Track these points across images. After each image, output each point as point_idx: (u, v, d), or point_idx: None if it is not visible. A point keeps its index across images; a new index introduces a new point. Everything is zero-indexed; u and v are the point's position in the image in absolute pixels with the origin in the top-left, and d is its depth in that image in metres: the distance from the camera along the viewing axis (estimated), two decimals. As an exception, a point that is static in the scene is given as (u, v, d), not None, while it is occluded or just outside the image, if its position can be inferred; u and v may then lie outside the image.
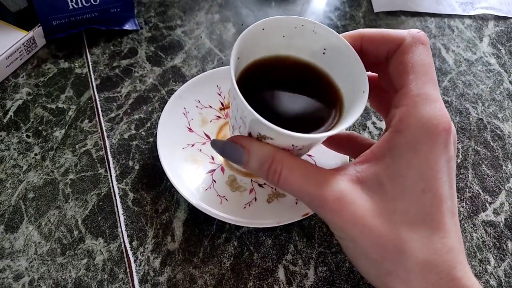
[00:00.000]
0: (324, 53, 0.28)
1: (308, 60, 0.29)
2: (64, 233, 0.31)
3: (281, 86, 0.29)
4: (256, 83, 0.28)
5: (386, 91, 0.28)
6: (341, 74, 0.28)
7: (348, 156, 0.35)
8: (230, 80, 0.24)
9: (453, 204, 0.23)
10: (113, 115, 0.38)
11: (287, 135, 0.23)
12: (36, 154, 0.35)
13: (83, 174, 0.34)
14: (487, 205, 0.36)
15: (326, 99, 0.28)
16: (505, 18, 0.51)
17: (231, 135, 0.30)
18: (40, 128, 0.36)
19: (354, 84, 0.26)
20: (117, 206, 0.33)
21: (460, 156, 0.39)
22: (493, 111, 0.42)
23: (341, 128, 0.24)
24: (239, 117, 0.26)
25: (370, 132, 0.40)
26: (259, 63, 0.28)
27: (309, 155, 0.35)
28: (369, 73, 0.29)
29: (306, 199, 0.24)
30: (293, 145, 0.26)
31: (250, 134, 0.26)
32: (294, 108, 0.28)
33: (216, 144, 0.27)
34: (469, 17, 0.50)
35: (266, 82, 0.29)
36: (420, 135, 0.22)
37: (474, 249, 0.34)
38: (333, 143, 0.32)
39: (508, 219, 0.35)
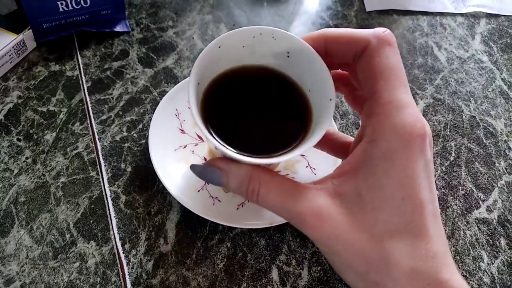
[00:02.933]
0: (288, 56, 0.27)
1: (273, 66, 0.28)
2: (56, 237, 0.31)
3: (247, 101, 0.28)
4: (221, 102, 0.28)
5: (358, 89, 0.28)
6: (308, 78, 0.27)
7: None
8: (191, 111, 0.24)
9: (434, 207, 0.23)
10: (104, 117, 0.38)
11: (249, 162, 0.24)
12: (27, 158, 0.35)
13: (74, 177, 0.34)
14: (480, 202, 0.36)
15: (294, 107, 0.28)
16: (496, 16, 0.51)
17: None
18: (31, 131, 0.36)
19: (320, 89, 0.26)
20: (109, 209, 0.33)
21: (453, 154, 0.39)
22: (485, 108, 0.42)
23: (308, 147, 0.24)
24: None
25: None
26: (223, 77, 0.28)
27: (302, 155, 0.35)
28: (340, 71, 0.29)
29: (286, 216, 0.24)
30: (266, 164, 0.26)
31: (224, 156, 0.26)
32: (261, 125, 0.28)
33: (195, 169, 0.27)
34: (461, 15, 0.50)
35: (231, 99, 0.28)
36: (395, 144, 0.22)
37: (467, 246, 0.34)
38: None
39: (501, 216, 0.35)
